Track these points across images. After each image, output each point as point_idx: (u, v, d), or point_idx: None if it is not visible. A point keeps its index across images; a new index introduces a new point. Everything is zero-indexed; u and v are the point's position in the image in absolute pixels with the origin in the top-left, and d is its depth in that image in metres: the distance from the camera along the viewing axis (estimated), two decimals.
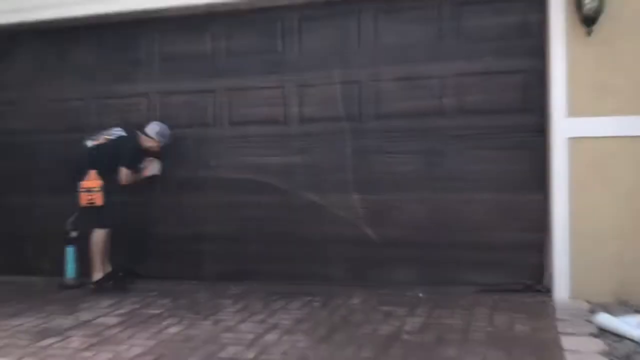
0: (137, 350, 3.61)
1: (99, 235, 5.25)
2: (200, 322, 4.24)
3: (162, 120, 5.65)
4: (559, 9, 4.57)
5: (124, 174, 5.24)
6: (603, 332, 3.73)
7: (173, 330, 4.07)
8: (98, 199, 5.16)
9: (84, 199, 5.19)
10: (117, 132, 5.34)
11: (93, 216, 5.25)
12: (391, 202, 5.19)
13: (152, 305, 4.74)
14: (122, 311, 4.59)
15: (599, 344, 3.50)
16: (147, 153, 5.48)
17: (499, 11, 4.94)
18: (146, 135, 5.38)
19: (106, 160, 5.21)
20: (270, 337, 3.84)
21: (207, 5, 5.42)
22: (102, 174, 5.20)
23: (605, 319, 3.86)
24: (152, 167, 5.49)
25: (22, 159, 6.15)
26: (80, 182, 5.19)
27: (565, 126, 4.58)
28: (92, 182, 5.16)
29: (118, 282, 5.28)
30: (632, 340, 3.59)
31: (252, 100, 5.51)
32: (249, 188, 5.50)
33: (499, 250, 4.91)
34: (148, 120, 5.63)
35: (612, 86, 4.49)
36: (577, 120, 4.55)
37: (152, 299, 4.94)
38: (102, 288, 5.20)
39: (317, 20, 5.37)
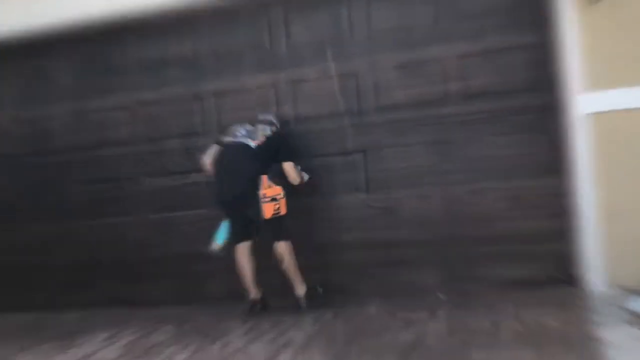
0: None
1: (288, 248, 4.66)
2: (207, 347, 4.00)
3: (144, 130, 5.54)
4: None
5: (291, 168, 4.66)
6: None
7: (178, 358, 3.80)
8: (283, 207, 4.57)
9: (269, 210, 4.55)
10: (266, 128, 4.78)
11: (276, 228, 4.62)
12: (399, 199, 4.88)
13: (154, 334, 4.44)
14: (120, 343, 4.31)
15: (637, 333, 3.32)
16: None
17: None
18: None
19: (268, 161, 4.65)
20: (283, 357, 3.60)
21: (186, 7, 5.19)
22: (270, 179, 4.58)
23: None
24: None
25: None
26: (259, 192, 4.55)
27: (581, 101, 4.32)
28: (274, 189, 4.55)
29: (315, 296, 4.77)
30: None
31: (242, 103, 5.17)
32: None
33: (519, 241, 4.63)
34: (134, 135, 5.58)
35: (628, 53, 4.20)
36: (594, 94, 4.30)
37: (152, 327, 4.64)
38: (309, 302, 4.69)
39: (305, 9, 5.03)
